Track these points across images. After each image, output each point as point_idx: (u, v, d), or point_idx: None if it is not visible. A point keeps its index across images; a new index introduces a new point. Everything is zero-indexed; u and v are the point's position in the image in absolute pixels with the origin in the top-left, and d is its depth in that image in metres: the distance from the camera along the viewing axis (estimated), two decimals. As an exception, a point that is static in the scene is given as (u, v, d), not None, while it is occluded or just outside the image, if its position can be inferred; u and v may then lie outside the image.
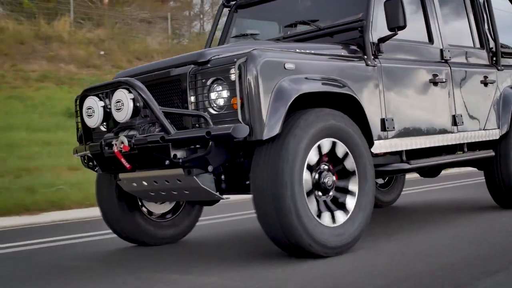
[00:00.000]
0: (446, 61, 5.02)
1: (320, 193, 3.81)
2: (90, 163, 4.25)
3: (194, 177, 3.76)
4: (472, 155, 5.08)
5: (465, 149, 5.14)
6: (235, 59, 3.59)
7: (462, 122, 5.00)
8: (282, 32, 4.98)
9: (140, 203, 4.68)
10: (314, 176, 3.79)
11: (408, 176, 7.16)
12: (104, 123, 4.01)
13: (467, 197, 7.02)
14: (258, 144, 3.66)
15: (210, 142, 3.53)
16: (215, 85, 3.69)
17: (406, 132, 4.50)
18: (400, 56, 4.60)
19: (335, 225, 3.77)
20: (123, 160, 3.83)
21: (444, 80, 4.86)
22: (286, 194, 3.51)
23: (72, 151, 4.43)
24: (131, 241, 4.76)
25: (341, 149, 3.87)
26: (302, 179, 3.61)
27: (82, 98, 4.03)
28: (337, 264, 3.53)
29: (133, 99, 3.71)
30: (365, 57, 4.28)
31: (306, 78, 3.79)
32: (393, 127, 4.38)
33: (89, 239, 5.43)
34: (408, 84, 4.61)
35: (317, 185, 3.79)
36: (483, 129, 5.25)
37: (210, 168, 3.77)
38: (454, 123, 4.94)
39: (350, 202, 3.89)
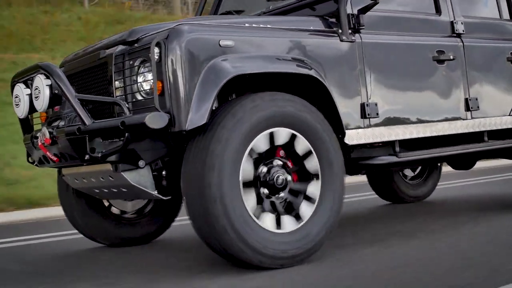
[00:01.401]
0: (458, 35, 4.26)
1: (267, 192, 3.22)
2: (30, 158, 3.86)
3: (122, 173, 3.26)
4: (486, 145, 4.29)
5: (486, 138, 4.36)
6: (156, 36, 3.07)
7: (478, 107, 4.23)
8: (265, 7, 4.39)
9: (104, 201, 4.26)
10: (261, 171, 3.21)
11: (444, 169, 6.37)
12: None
13: (496, 194, 6.14)
14: (192, 135, 3.13)
15: (126, 134, 3.03)
16: (142, 67, 3.19)
17: (397, 119, 3.82)
18: (391, 30, 3.90)
19: (282, 231, 3.18)
20: (48, 154, 3.42)
21: (452, 58, 4.11)
22: (212, 190, 2.95)
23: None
24: (96, 241, 4.34)
25: (299, 141, 3.26)
26: (238, 173, 3.03)
27: (12, 86, 3.64)
28: (273, 276, 2.95)
29: (50, 86, 3.27)
30: (340, 31, 3.63)
31: (248, 57, 3.21)
32: (377, 114, 3.71)
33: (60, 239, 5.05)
34: (400, 63, 3.90)
35: (264, 182, 3.21)
36: (509, 115, 4.45)
37: (141, 163, 3.26)
38: (467, 108, 4.19)
39: (307, 205, 3.28)
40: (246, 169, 3.09)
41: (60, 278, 3.38)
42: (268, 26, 3.46)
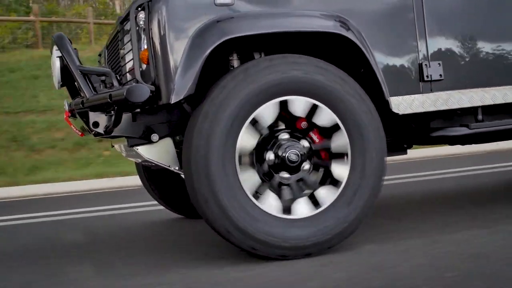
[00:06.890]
0: None
1: (278, 171, 2.79)
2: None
3: (135, 148, 3.05)
4: None
5: None
6: None
7: None
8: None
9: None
10: (272, 146, 2.79)
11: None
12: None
13: None
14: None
15: (115, 108, 2.80)
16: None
17: (472, 81, 3.10)
18: None
19: (290, 216, 2.74)
20: (73, 127, 3.32)
21: None
22: (198, 164, 2.65)
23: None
24: (176, 213, 4.25)
25: (322, 113, 2.78)
26: (234, 144, 2.67)
27: None
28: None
29: (61, 57, 3.14)
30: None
31: (249, 15, 2.76)
32: (441, 75, 3.04)
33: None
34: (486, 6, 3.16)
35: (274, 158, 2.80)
36: None
37: (154, 137, 3.01)
38: None
39: (328, 188, 2.81)
40: (245, 141, 2.71)
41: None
42: None
